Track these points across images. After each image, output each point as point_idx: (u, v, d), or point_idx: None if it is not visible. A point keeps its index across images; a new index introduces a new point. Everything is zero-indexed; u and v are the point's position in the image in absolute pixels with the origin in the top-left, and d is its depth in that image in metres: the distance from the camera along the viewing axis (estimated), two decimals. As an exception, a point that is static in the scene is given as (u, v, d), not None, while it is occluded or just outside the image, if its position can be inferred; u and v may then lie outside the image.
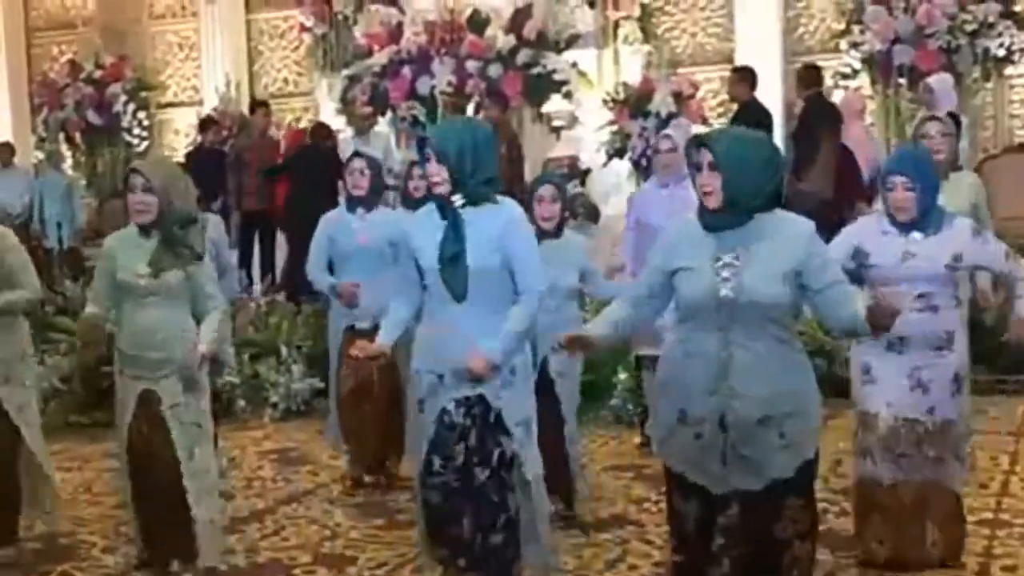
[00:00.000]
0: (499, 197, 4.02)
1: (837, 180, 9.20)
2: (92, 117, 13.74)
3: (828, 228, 8.28)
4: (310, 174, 10.33)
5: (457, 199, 3.93)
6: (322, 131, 11.27)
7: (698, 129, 11.07)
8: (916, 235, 4.29)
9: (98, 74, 13.84)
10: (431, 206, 4.02)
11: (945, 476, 4.40)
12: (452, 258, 3.90)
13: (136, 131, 13.80)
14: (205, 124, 12.20)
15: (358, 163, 6.14)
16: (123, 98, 13.72)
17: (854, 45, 10.93)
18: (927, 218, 4.30)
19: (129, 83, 13.79)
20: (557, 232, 5.27)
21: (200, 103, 13.72)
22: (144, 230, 4.61)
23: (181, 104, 14.14)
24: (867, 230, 4.40)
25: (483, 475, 3.96)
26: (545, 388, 4.99)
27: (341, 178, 10.22)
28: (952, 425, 4.39)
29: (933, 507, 4.38)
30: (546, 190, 5.28)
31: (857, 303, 3.51)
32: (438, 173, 3.91)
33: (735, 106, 10.32)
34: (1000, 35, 10.47)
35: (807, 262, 3.45)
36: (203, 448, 4.71)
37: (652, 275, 3.68)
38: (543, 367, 5.02)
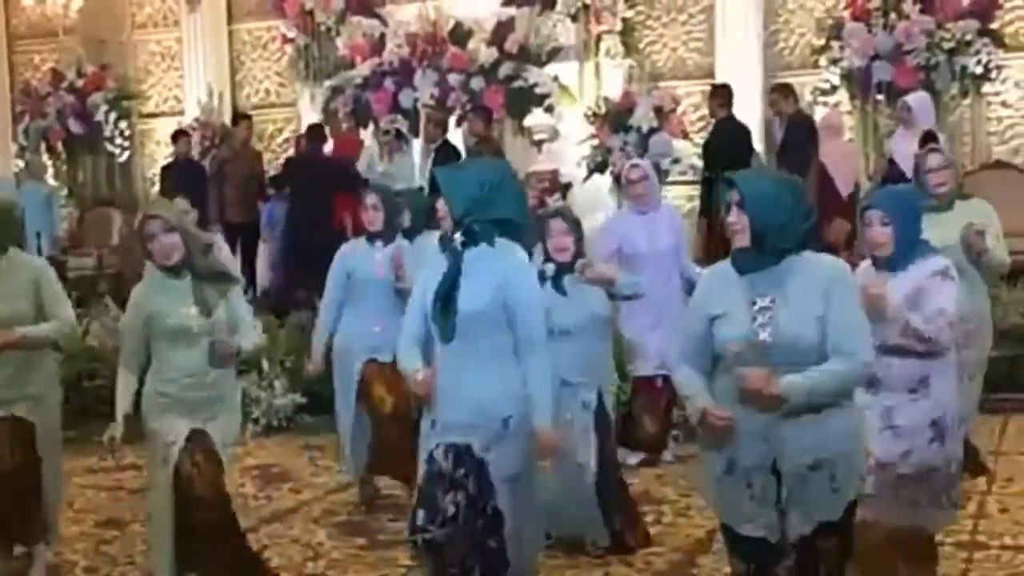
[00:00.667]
0: (507, 242, 3.94)
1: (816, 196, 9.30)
2: (73, 126, 13.70)
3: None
4: (310, 183, 10.32)
5: (457, 237, 3.91)
6: (319, 135, 11.25)
7: (679, 144, 11.20)
8: (890, 274, 4.17)
9: (80, 83, 13.80)
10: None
11: (920, 519, 4.24)
12: (443, 297, 3.88)
13: (118, 141, 13.75)
14: (177, 137, 12.20)
15: (371, 199, 5.99)
16: (104, 107, 13.67)
17: (833, 61, 10.99)
18: (905, 256, 4.18)
19: (111, 92, 13.74)
20: (573, 264, 5.22)
21: (182, 113, 13.70)
22: (173, 271, 4.51)
23: (163, 114, 14.11)
24: (865, 273, 4.26)
25: (479, 526, 3.90)
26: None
27: (341, 188, 10.39)
28: (933, 472, 4.19)
29: (906, 547, 4.24)
30: (557, 224, 5.25)
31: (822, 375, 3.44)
32: (443, 209, 3.93)
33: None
34: (978, 53, 10.53)
35: (824, 310, 3.45)
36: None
37: (693, 326, 3.65)
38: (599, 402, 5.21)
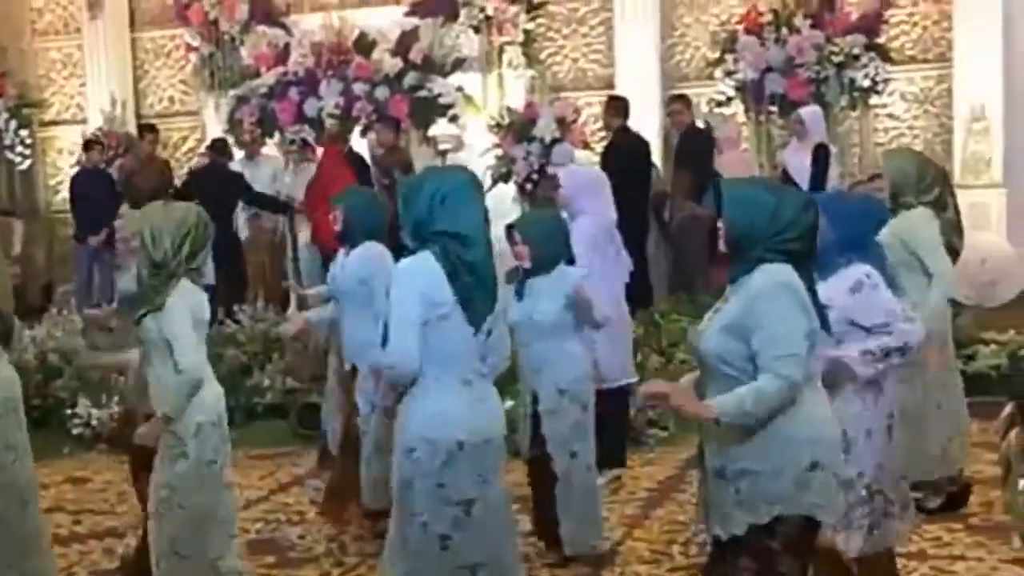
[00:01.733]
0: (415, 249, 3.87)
1: None
2: (-27, 135, 13.59)
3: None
4: (213, 195, 10.35)
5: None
6: (223, 148, 11.32)
7: (581, 154, 11.44)
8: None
9: (-22, 91, 13.70)
10: None
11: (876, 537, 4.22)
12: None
13: (19, 149, 13.61)
14: (89, 145, 12.15)
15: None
16: (5, 115, 13.55)
17: (728, 74, 11.33)
18: (824, 265, 3.99)
19: (11, 100, 13.62)
20: (542, 268, 5.29)
21: (84, 121, 13.63)
22: None
23: (65, 122, 14.03)
24: None
25: None
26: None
27: (241, 198, 10.48)
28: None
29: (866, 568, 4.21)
30: (507, 235, 5.34)
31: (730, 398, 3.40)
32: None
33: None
34: (865, 66, 10.92)
35: (744, 321, 3.41)
36: None
37: None
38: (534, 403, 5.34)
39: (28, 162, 13.79)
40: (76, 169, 12.40)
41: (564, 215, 5.98)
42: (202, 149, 12.17)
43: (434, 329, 3.74)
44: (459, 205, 3.79)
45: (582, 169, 7.43)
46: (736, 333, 3.41)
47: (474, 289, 3.78)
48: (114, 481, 7.17)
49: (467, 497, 3.82)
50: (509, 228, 5.40)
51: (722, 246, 3.48)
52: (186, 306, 4.40)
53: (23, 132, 13.65)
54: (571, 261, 5.40)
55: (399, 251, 4.06)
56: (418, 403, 3.82)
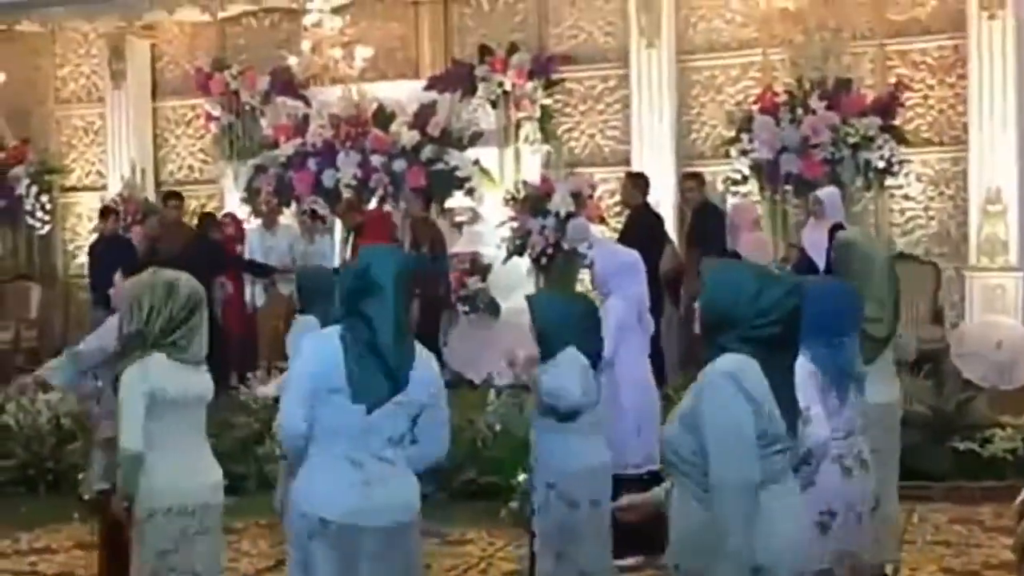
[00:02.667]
0: None
1: None
2: (-6, 199, 13.71)
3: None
4: (196, 268, 10.38)
5: None
6: (211, 223, 11.42)
7: (596, 228, 11.47)
8: None
9: (1, 156, 13.84)
10: None
11: None
12: None
13: (39, 214, 13.72)
14: (105, 212, 12.22)
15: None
16: (26, 181, 13.67)
17: (743, 152, 11.37)
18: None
19: (32, 166, 13.77)
20: (547, 353, 5.03)
21: (105, 188, 13.74)
22: None
23: (86, 188, 14.15)
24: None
25: None
26: None
27: (224, 272, 10.58)
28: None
29: None
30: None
31: None
32: None
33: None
34: (880, 148, 10.93)
35: (692, 413, 3.25)
36: None
37: None
38: None
39: (47, 227, 13.89)
40: (95, 236, 12.46)
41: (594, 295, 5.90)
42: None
43: (323, 405, 3.76)
44: (378, 289, 3.79)
45: (619, 249, 7.15)
46: (687, 424, 3.26)
47: (371, 370, 3.74)
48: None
49: None
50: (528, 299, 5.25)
51: (696, 328, 3.37)
52: (143, 380, 4.21)
53: (44, 198, 13.75)
54: (591, 347, 5.05)
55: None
56: (300, 475, 3.88)
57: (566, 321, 5.04)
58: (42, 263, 13.93)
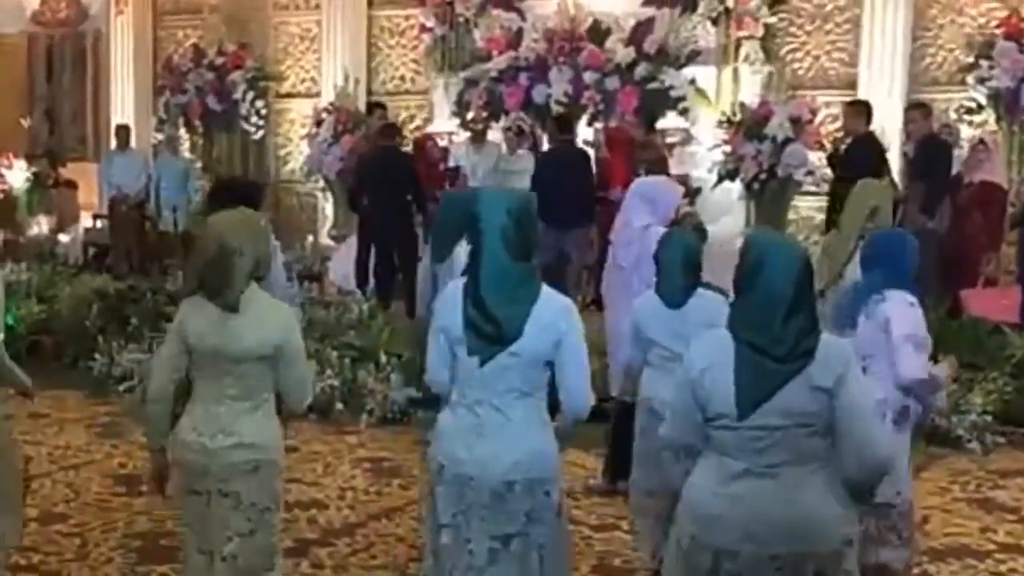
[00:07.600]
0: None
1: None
2: (212, 103, 13.96)
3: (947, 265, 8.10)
4: (384, 179, 10.26)
5: None
6: (391, 132, 11.07)
7: (813, 156, 10.92)
8: None
9: (220, 61, 14.06)
10: None
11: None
12: None
13: (253, 119, 13.96)
14: (388, 131, 11.17)
15: None
16: (243, 86, 13.89)
17: (981, 80, 10.63)
18: None
19: (249, 72, 13.96)
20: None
21: (318, 95, 13.84)
22: None
23: (299, 95, 14.28)
24: None
25: None
26: None
27: (415, 180, 10.28)
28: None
29: None
30: None
31: None
32: None
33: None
34: None
35: None
36: None
37: None
38: None
39: (261, 132, 14.11)
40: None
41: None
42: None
43: (455, 352, 3.69)
44: (480, 236, 3.64)
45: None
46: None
47: (479, 321, 3.59)
48: (322, 452, 7.19)
49: (439, 523, 3.70)
50: None
51: None
52: (181, 322, 3.95)
53: (259, 103, 13.96)
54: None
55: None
56: (437, 419, 3.84)
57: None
58: (255, 167, 14.14)
